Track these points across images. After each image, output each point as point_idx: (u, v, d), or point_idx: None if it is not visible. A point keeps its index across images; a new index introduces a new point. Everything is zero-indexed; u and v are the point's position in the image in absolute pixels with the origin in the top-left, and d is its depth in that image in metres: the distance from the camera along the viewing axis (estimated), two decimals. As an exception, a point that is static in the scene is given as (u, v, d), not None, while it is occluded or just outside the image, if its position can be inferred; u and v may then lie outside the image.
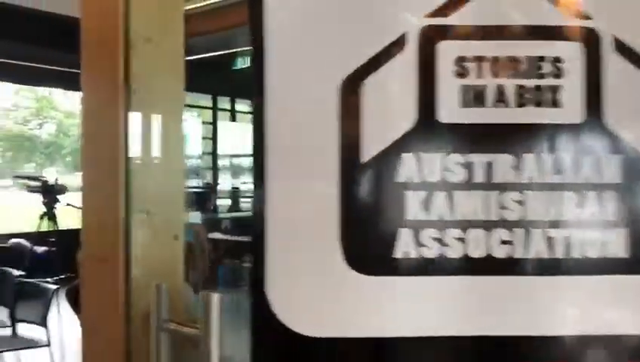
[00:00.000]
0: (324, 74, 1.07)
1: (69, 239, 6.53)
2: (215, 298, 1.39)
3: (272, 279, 1.06)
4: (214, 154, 10.98)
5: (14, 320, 4.14)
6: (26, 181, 6.86)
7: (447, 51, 1.07)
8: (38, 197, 6.75)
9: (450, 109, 1.07)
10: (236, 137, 11.13)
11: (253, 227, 1.08)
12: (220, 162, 11.19)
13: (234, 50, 8.47)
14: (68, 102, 19.52)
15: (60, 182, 6.46)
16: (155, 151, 2.40)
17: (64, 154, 19.99)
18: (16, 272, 4.44)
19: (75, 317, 5.28)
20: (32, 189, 6.22)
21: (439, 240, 1.07)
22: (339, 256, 1.06)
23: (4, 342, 3.97)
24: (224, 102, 11.49)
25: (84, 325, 2.48)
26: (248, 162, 11.35)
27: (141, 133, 2.35)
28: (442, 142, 1.08)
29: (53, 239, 6.68)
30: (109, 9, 2.37)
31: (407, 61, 1.06)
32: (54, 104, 19.65)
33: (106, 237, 2.38)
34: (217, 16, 6.50)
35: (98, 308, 2.46)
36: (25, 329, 4.18)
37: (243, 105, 11.46)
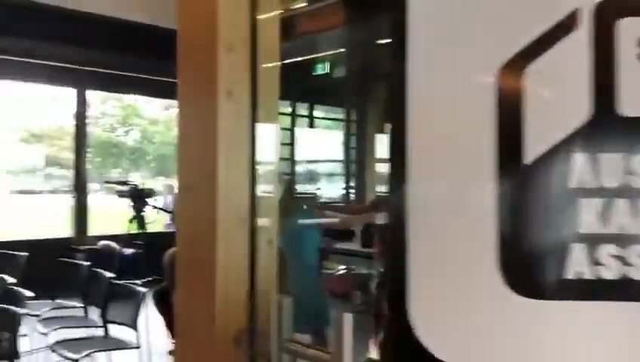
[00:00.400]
0: (477, 61, 0.91)
1: (155, 242, 6.69)
2: (347, 318, 1.25)
3: (417, 300, 0.91)
4: (292, 161, 11.01)
5: (106, 321, 4.22)
6: (115, 185, 7.10)
7: (630, 30, 0.88)
8: (126, 201, 6.97)
9: (633, 100, 0.89)
10: (315, 143, 11.12)
11: (392, 242, 0.93)
12: (298, 168, 11.21)
13: (313, 55, 8.44)
14: (151, 110, 20.28)
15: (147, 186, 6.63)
16: (251, 156, 2.33)
17: (148, 160, 20.75)
18: (108, 274, 4.52)
19: (161, 319, 5.37)
20: (121, 193, 6.40)
21: (620, 258, 0.89)
22: (497, 277, 0.89)
23: (96, 342, 4.04)
24: (302, 109, 11.51)
25: (178, 329, 2.44)
26: (326, 168, 11.31)
27: (236, 137, 2.29)
28: (623, 139, 0.89)
29: (141, 241, 6.85)
30: (206, 14, 2.33)
31: (579, 42, 0.88)
32: (139, 112, 20.43)
33: (200, 241, 2.34)
34: (298, 22, 6.46)
35: (192, 313, 2.42)
36: (115, 330, 4.25)
37: (321, 112, 11.43)
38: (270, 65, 2.36)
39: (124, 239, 7.10)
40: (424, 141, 0.94)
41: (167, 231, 6.21)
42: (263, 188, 2.32)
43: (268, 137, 2.34)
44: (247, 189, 2.26)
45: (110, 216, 9.46)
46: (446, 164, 0.94)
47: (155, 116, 20.32)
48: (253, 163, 2.31)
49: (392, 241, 0.93)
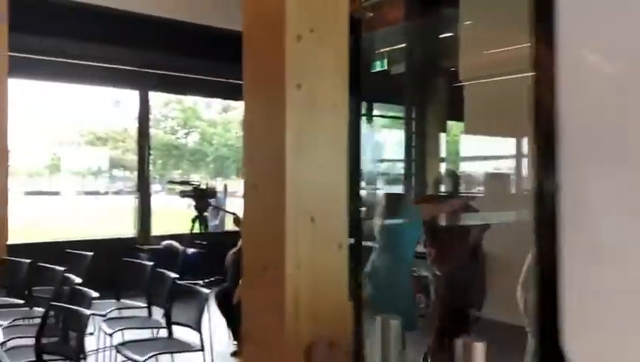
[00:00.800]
0: None
1: (217, 242, 6.71)
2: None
3: (573, 328, 0.71)
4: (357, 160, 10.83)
5: (170, 322, 4.19)
6: (178, 185, 7.14)
7: None
8: (188, 201, 7.02)
9: None
10: (376, 142, 10.92)
11: (539, 254, 0.74)
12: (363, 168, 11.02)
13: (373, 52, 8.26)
14: (210, 112, 20.64)
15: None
16: (320, 152, 2.18)
17: (207, 162, 21.11)
18: (172, 274, 4.50)
19: (223, 320, 5.35)
20: (184, 193, 6.42)
21: None
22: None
23: (160, 344, 4.01)
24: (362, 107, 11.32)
25: (245, 335, 2.33)
26: (388, 168, 11.09)
27: (306, 131, 2.15)
28: None
29: (202, 241, 6.86)
30: (273, 4, 2.21)
31: None
32: (199, 114, 20.82)
33: (268, 243, 2.21)
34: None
35: (259, 319, 2.30)
36: (178, 331, 4.22)
37: (380, 110, 11.23)
38: (340, 55, 2.21)
39: (185, 239, 7.15)
40: (581, 127, 0.74)
41: (229, 231, 6.19)
42: (334, 186, 2.17)
43: (338, 132, 2.19)
44: (318, 187, 2.11)
45: (172, 216, 9.60)
46: (614, 153, 0.74)
47: (214, 118, 20.69)
48: (321, 159, 2.17)
49: (539, 251, 0.74)
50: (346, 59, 2.25)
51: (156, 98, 8.23)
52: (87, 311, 3.47)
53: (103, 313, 4.54)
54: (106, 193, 20.07)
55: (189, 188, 6.38)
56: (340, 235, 2.20)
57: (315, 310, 2.05)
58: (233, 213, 5.51)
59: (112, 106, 17.94)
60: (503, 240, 4.72)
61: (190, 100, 19.69)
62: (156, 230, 8.40)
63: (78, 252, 5.54)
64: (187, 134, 21.36)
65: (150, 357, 3.59)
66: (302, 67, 2.09)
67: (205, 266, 6.55)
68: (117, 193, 20.59)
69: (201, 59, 8.00)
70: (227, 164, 21.53)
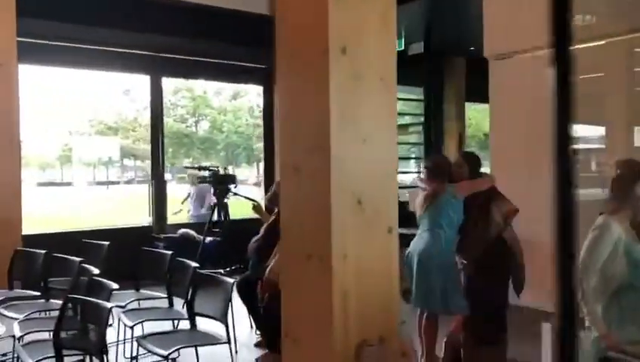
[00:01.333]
0: None
1: (236, 229, 6.51)
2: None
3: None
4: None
5: (193, 314, 4.00)
6: (196, 171, 6.92)
7: None
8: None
9: None
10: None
11: None
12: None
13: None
14: (220, 100, 20.42)
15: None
16: (367, 126, 1.95)
17: (218, 150, 20.94)
18: (193, 264, 4.31)
19: (246, 310, 5.16)
20: (202, 180, 6.19)
21: None
22: None
23: (184, 336, 3.83)
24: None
25: (285, 332, 2.12)
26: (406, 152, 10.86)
27: (352, 102, 1.92)
28: None
29: (220, 229, 6.67)
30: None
31: None
32: (208, 102, 20.62)
33: (312, 230, 1.98)
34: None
35: (301, 314, 2.08)
36: (201, 322, 4.04)
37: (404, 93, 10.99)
38: (387, 16, 1.96)
39: (203, 227, 6.96)
40: None
41: (251, 217, 5.96)
42: (381, 162, 1.93)
43: (386, 103, 1.94)
44: (364, 167, 1.87)
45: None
46: None
47: (224, 106, 20.46)
48: (368, 134, 1.93)
49: None
50: (394, 21, 2.01)
51: (165, 86, 7.98)
52: (109, 304, 3.29)
53: (123, 304, 4.37)
54: (118, 182, 19.99)
55: (207, 173, 6.16)
56: (390, 218, 1.97)
57: (364, 304, 1.82)
58: (253, 200, 5.30)
59: (122, 95, 17.80)
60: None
61: (200, 88, 19.48)
62: (171, 218, 8.23)
63: (94, 241, 5.36)
64: (197, 122, 21.17)
65: (175, 351, 3.40)
66: (346, 26, 1.85)
67: (224, 255, 6.36)
68: (128, 182, 20.54)
69: (213, 42, 7.78)
70: (238, 152, 21.35)
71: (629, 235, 2.66)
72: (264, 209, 5.25)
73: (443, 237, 4.00)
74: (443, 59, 9.71)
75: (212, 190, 6.11)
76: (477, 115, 18.80)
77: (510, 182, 4.32)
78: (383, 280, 1.92)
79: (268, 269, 4.12)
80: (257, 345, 4.88)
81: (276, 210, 4.93)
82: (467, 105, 11.34)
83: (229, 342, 3.64)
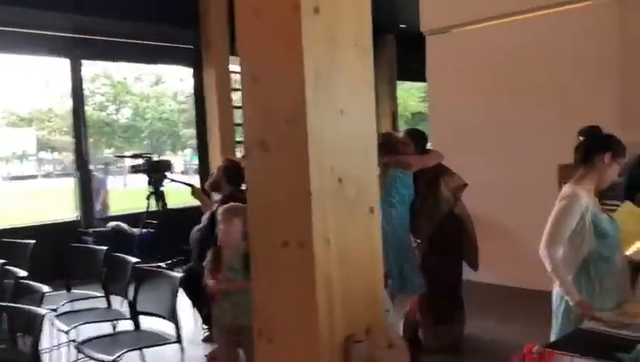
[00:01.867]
0: None
1: (170, 219, 6.15)
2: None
3: None
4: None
5: (136, 313, 3.69)
6: (128, 159, 6.46)
7: None
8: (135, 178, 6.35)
9: None
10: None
11: None
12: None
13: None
14: (142, 86, 19.56)
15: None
16: (344, 96, 1.73)
17: (142, 137, 20.12)
18: (132, 259, 3.98)
19: (191, 304, 4.86)
20: (135, 168, 5.78)
21: None
22: None
23: (128, 338, 3.52)
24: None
25: (258, 331, 1.88)
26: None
27: (328, 68, 1.68)
28: None
29: (153, 221, 6.29)
30: None
31: None
32: (129, 88, 19.73)
33: (287, 214, 1.74)
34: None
35: (278, 308, 1.83)
36: (144, 322, 3.74)
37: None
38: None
39: (134, 219, 6.55)
40: None
41: (188, 206, 5.64)
42: (361, 137, 1.71)
43: (362, 71, 1.72)
44: (343, 142, 1.64)
45: (116, 196, 8.91)
46: None
47: (146, 92, 19.62)
48: (346, 106, 1.72)
49: None
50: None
51: (83, 73, 7.37)
52: (41, 310, 2.94)
53: (54, 307, 3.99)
54: (36, 176, 18.80)
55: (140, 161, 5.75)
56: (371, 197, 1.78)
57: (348, 294, 1.62)
58: (191, 185, 4.97)
59: (36, 83, 16.63)
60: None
61: (119, 74, 18.55)
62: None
63: (17, 241, 4.89)
64: (118, 110, 20.20)
65: (121, 355, 3.10)
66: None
67: (161, 247, 5.99)
68: (46, 176, 19.37)
69: (138, 22, 7.29)
70: (163, 139, 20.58)
71: (596, 206, 2.63)
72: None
73: (396, 215, 3.88)
74: (376, 38, 9.62)
75: (148, 179, 5.71)
76: (403, 93, 18.98)
77: (449, 158, 4.26)
78: (368, 266, 1.74)
79: (205, 277, 3.59)
80: (205, 340, 4.62)
81: (216, 198, 4.63)
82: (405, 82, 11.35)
83: (179, 341, 3.37)
